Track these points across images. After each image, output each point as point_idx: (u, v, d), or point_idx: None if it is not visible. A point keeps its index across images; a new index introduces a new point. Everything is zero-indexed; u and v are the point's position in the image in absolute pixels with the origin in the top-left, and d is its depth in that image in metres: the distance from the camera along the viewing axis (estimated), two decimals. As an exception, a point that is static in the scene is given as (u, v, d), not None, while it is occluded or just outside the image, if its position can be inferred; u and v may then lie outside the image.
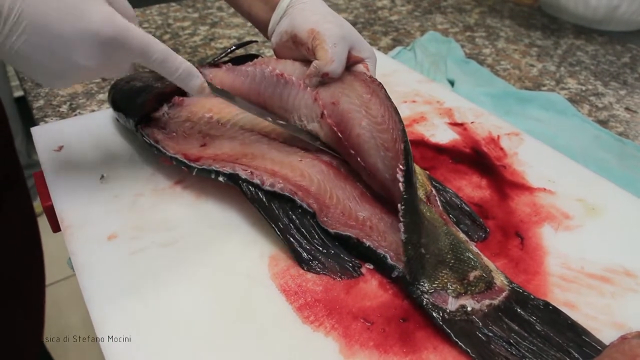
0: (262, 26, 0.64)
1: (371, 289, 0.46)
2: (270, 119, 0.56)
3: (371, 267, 0.48)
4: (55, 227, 0.54)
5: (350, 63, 0.57)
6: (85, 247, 0.49)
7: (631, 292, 0.47)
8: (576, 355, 0.41)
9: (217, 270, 0.47)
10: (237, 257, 0.49)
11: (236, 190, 0.53)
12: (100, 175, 0.57)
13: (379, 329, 0.43)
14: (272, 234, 0.50)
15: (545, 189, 0.59)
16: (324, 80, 0.54)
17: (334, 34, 0.54)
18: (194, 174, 0.53)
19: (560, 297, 0.46)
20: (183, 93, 0.64)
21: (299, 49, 0.57)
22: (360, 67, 0.57)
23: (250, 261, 0.48)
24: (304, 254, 0.48)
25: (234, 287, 0.46)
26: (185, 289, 0.45)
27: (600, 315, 0.45)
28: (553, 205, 0.57)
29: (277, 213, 0.49)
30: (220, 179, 0.52)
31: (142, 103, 0.60)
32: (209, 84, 0.52)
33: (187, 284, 0.46)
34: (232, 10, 1.11)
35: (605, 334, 0.43)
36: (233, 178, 0.51)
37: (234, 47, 0.72)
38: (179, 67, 0.49)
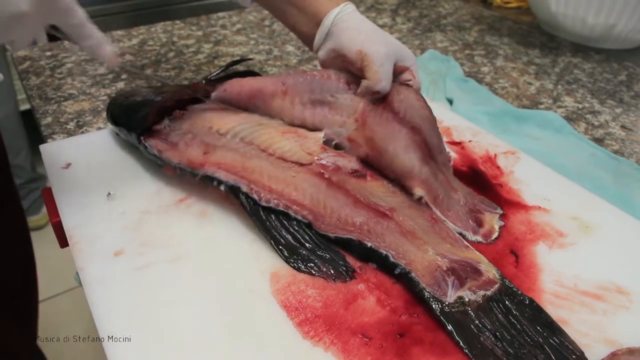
0: (307, 40, 0.67)
1: (369, 305, 0.47)
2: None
3: (374, 266, 0.51)
4: (63, 242, 0.55)
5: (397, 73, 0.61)
6: (93, 263, 0.50)
7: (622, 309, 0.48)
8: (549, 351, 0.44)
9: (220, 285, 0.49)
10: (240, 273, 0.50)
11: (238, 207, 0.55)
12: (107, 193, 0.59)
13: (377, 344, 0.44)
14: (274, 251, 0.52)
15: (540, 207, 0.60)
16: (374, 97, 0.59)
17: (380, 55, 0.58)
18: (197, 179, 0.55)
19: (553, 313, 0.47)
20: (183, 107, 0.66)
21: (347, 67, 0.62)
22: (406, 75, 0.62)
23: (253, 277, 0.50)
24: (298, 258, 0.51)
25: (236, 303, 0.47)
26: (188, 304, 0.47)
27: (592, 332, 0.46)
28: (548, 224, 0.58)
29: (273, 225, 0.52)
30: (222, 188, 0.54)
31: (145, 116, 0.62)
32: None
33: (191, 299, 0.47)
34: (235, 28, 1.13)
35: (597, 350, 0.44)
36: (234, 190, 0.54)
37: (229, 63, 0.74)
38: (93, 34, 0.52)
